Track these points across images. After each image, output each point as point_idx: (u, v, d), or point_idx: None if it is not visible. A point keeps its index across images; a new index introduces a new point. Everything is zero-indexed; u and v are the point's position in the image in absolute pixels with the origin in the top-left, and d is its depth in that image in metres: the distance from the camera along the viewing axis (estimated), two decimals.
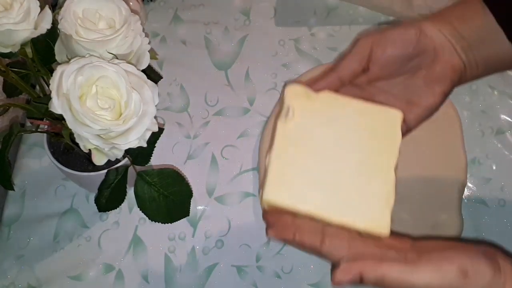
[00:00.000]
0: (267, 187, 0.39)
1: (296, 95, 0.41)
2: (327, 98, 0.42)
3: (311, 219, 0.39)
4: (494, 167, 0.60)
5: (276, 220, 0.39)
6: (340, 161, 0.40)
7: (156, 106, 0.40)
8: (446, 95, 0.43)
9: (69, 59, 0.40)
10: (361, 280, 0.35)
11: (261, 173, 0.57)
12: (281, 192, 0.39)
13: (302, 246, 0.38)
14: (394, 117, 0.41)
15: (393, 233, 0.38)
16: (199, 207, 0.57)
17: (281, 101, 0.43)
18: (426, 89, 0.43)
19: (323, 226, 0.38)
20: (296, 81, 0.43)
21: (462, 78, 0.43)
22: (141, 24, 0.44)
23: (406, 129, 0.43)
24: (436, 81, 0.42)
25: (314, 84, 0.42)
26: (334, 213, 0.38)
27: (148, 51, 0.44)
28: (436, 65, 0.42)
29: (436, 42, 0.42)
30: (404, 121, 0.42)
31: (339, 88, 0.43)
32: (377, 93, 0.45)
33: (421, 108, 0.43)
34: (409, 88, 0.44)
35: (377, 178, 0.39)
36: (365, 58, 0.43)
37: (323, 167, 0.40)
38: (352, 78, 0.43)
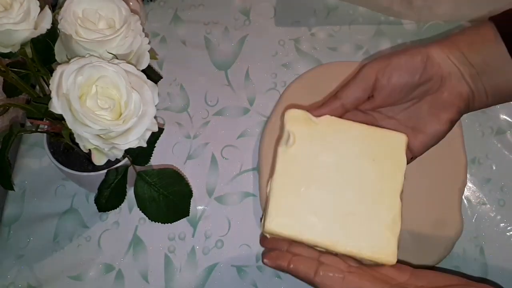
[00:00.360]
0: (269, 216, 0.38)
1: (296, 120, 0.41)
2: (329, 122, 0.41)
3: (309, 247, 0.38)
4: (494, 167, 0.60)
5: (273, 246, 0.40)
6: (344, 188, 0.39)
7: (156, 106, 0.40)
8: (453, 123, 0.42)
9: (69, 59, 0.40)
10: None
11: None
12: (283, 222, 0.38)
13: (296, 275, 0.38)
14: (398, 140, 0.41)
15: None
16: (199, 207, 0.57)
17: (281, 126, 0.42)
18: (432, 116, 0.42)
19: (320, 255, 0.38)
20: (295, 106, 0.42)
21: (470, 106, 0.42)
22: (141, 24, 0.44)
23: (411, 156, 0.43)
24: (442, 108, 0.41)
25: (316, 110, 0.42)
26: (339, 241, 0.38)
27: (148, 51, 0.44)
28: (442, 92, 0.41)
29: (443, 68, 0.41)
30: (409, 147, 0.42)
31: (342, 115, 0.42)
32: (381, 119, 0.44)
33: (427, 135, 0.42)
34: (414, 114, 0.43)
35: (383, 204, 0.38)
36: (369, 87, 0.42)
37: (326, 194, 0.39)
38: (356, 105, 0.43)
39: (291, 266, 0.37)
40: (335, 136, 0.40)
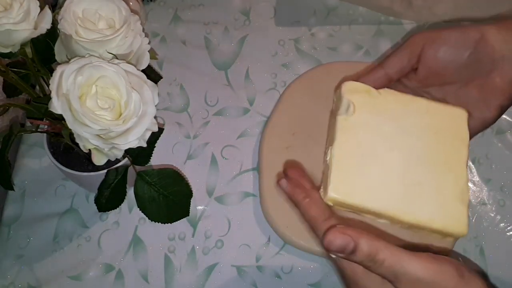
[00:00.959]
0: (332, 184, 0.37)
1: (355, 91, 0.40)
2: (389, 94, 0.40)
3: (379, 215, 0.37)
4: (494, 167, 0.60)
5: (295, 177, 0.37)
6: (408, 158, 0.38)
7: (156, 106, 0.40)
8: (503, 109, 0.40)
9: (69, 59, 0.40)
10: (353, 249, 0.31)
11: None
12: (347, 190, 0.37)
13: (305, 214, 0.36)
14: (460, 115, 0.40)
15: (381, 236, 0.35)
16: (199, 207, 0.57)
17: (336, 97, 0.41)
18: (481, 101, 0.40)
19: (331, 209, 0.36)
20: (349, 78, 0.41)
21: None
22: (141, 24, 0.44)
23: None
24: (493, 94, 0.40)
25: (360, 79, 0.41)
26: (406, 211, 0.36)
27: (148, 51, 0.44)
28: (494, 77, 0.39)
29: (496, 51, 0.39)
30: None
31: (386, 85, 0.41)
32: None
33: (475, 120, 0.41)
34: (462, 98, 0.41)
35: (450, 175, 0.37)
36: (415, 56, 0.40)
37: (390, 163, 0.38)
38: (399, 75, 0.41)
39: (306, 200, 0.36)
40: (396, 108, 0.40)
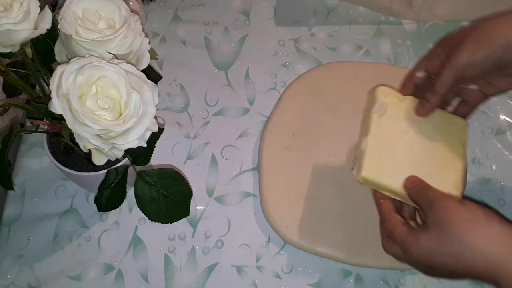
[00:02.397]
0: (365, 165, 0.47)
1: (387, 95, 0.51)
2: (413, 101, 0.50)
3: (397, 194, 0.48)
4: (494, 167, 0.60)
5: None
6: (421, 153, 0.48)
7: (156, 106, 0.40)
8: None
9: (69, 59, 0.40)
10: (418, 193, 0.44)
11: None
12: (377, 171, 0.47)
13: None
14: (462, 124, 0.51)
15: None
16: (199, 207, 0.57)
17: (371, 97, 0.52)
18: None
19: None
20: (384, 85, 0.52)
21: None
22: (141, 24, 0.44)
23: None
24: None
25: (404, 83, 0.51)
26: None
27: (148, 51, 0.44)
28: None
29: None
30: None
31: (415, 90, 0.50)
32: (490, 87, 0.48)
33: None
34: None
35: (449, 170, 0.48)
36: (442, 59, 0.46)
37: (408, 154, 0.48)
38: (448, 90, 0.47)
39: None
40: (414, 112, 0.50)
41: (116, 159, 0.43)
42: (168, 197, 0.46)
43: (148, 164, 0.47)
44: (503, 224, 0.39)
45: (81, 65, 0.38)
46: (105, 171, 0.47)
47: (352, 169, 0.49)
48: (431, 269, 0.42)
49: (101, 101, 0.39)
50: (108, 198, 0.47)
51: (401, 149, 0.48)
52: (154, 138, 0.43)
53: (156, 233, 0.56)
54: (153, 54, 0.45)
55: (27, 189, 0.58)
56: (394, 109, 0.50)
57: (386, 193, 0.49)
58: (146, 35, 0.44)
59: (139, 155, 0.47)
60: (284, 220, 0.54)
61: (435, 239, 0.40)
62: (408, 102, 0.50)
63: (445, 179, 0.47)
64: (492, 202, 0.58)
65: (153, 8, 0.71)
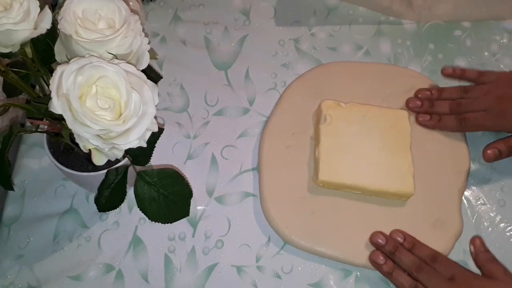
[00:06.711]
0: (321, 170, 0.54)
1: (330, 106, 0.57)
2: (351, 106, 0.58)
3: (355, 188, 0.54)
4: (494, 167, 0.60)
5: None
6: (370, 147, 0.55)
7: (156, 106, 0.40)
8: None
9: (69, 59, 0.40)
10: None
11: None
12: (332, 173, 0.54)
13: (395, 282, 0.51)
14: (402, 115, 0.57)
15: None
16: (199, 207, 0.57)
17: (317, 111, 0.59)
18: None
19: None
20: (328, 99, 0.59)
21: None
22: (141, 24, 0.44)
23: None
24: None
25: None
26: (372, 182, 0.54)
27: (148, 51, 0.44)
28: None
29: None
30: None
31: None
32: None
33: None
34: None
35: (399, 156, 0.55)
36: None
37: (358, 152, 0.55)
38: None
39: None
40: (357, 115, 0.57)
41: (116, 159, 0.43)
42: (168, 197, 0.46)
43: (148, 164, 0.47)
44: None
45: (81, 65, 0.38)
46: (105, 171, 0.47)
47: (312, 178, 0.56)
48: None
49: (101, 101, 0.39)
50: (108, 198, 0.47)
51: (353, 148, 0.55)
52: (154, 138, 0.43)
53: (156, 233, 0.56)
54: (153, 54, 0.45)
55: (27, 189, 0.58)
56: (339, 117, 0.57)
57: (348, 191, 0.55)
58: (146, 35, 0.44)
59: (139, 155, 0.47)
60: (284, 220, 0.54)
61: None
62: (349, 107, 0.57)
63: (398, 165, 0.54)
64: (492, 202, 0.58)
65: (153, 8, 0.71)
